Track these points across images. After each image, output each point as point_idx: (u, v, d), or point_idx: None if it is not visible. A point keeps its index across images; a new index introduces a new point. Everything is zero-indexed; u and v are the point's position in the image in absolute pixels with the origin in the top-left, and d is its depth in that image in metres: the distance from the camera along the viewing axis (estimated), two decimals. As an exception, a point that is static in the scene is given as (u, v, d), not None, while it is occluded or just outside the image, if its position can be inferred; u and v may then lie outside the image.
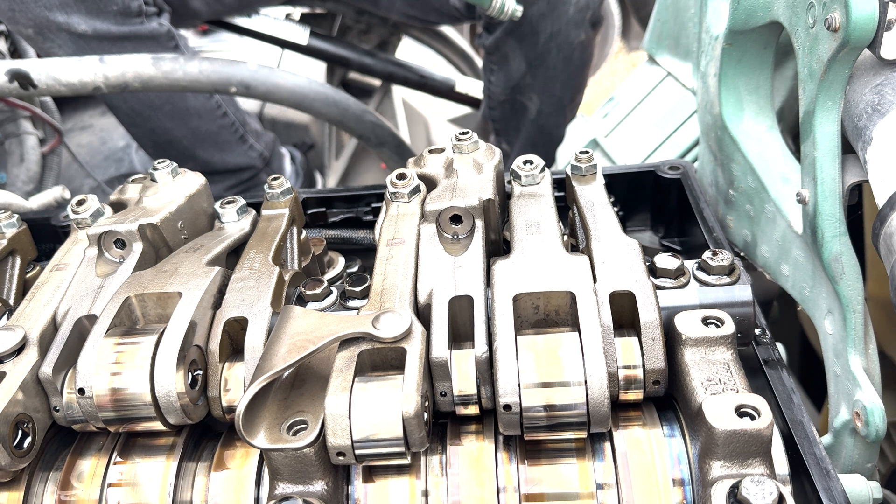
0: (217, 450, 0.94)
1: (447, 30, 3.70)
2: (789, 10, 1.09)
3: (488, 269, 0.98)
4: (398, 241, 1.06)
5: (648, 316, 0.89)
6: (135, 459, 0.94)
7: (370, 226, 1.51)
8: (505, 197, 1.21)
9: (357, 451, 0.81)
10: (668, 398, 0.93)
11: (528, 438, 0.88)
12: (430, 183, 1.17)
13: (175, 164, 1.23)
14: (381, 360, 0.87)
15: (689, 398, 0.84)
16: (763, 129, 1.33)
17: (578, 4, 2.46)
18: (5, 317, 1.08)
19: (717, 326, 0.89)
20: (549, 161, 2.36)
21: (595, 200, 1.14)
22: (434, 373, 0.88)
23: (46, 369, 0.92)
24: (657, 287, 0.96)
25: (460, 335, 0.93)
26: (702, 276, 0.99)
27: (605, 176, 1.23)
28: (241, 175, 2.51)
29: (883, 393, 1.11)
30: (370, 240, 1.49)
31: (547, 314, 0.93)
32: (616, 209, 1.23)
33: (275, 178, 1.24)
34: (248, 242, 1.14)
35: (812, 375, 1.83)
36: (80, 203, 1.18)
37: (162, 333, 0.90)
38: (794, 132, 1.45)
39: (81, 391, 0.88)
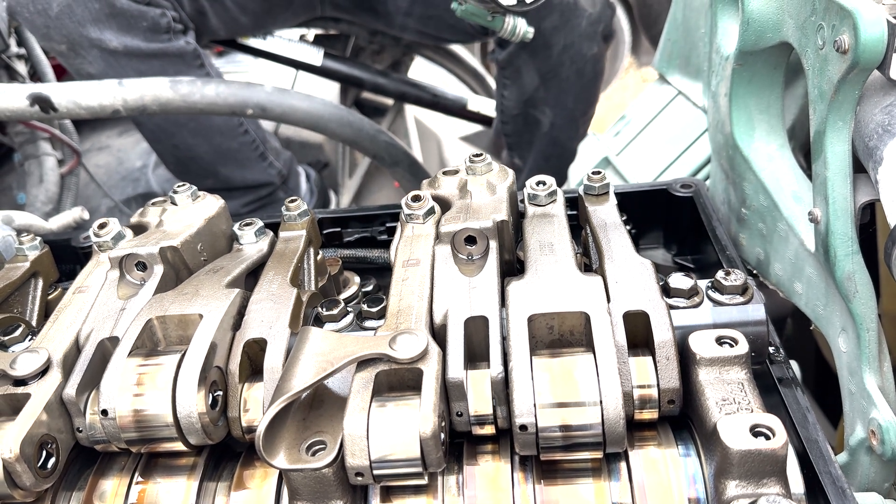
0: (237, 470, 0.95)
1: (459, 49, 3.73)
2: (799, 32, 1.10)
3: (503, 289, 0.99)
4: (413, 262, 1.07)
5: (662, 335, 0.90)
6: (156, 479, 0.95)
7: (385, 245, 1.53)
8: (518, 217, 1.23)
9: (375, 472, 0.83)
10: (682, 417, 0.93)
11: (543, 458, 0.89)
12: (445, 204, 1.18)
13: (195, 188, 1.25)
14: (398, 380, 0.89)
15: (704, 418, 0.85)
16: (774, 148, 1.34)
17: (591, 18, 2.48)
18: (29, 339, 1.10)
19: (731, 346, 0.89)
20: (561, 177, 2.37)
21: (608, 220, 1.15)
22: (450, 393, 0.89)
23: (70, 391, 0.94)
24: (671, 307, 0.97)
25: (476, 355, 0.94)
26: (715, 295, 1.00)
27: (618, 194, 1.24)
28: (259, 192, 2.54)
29: (898, 411, 1.11)
30: (385, 259, 1.50)
31: (561, 334, 0.94)
32: (629, 227, 1.24)
33: (292, 201, 1.26)
34: (266, 264, 1.15)
35: (828, 391, 1.82)
36: (102, 226, 1.20)
37: (183, 355, 0.92)
38: (805, 150, 1.46)
39: (104, 412, 0.90)
